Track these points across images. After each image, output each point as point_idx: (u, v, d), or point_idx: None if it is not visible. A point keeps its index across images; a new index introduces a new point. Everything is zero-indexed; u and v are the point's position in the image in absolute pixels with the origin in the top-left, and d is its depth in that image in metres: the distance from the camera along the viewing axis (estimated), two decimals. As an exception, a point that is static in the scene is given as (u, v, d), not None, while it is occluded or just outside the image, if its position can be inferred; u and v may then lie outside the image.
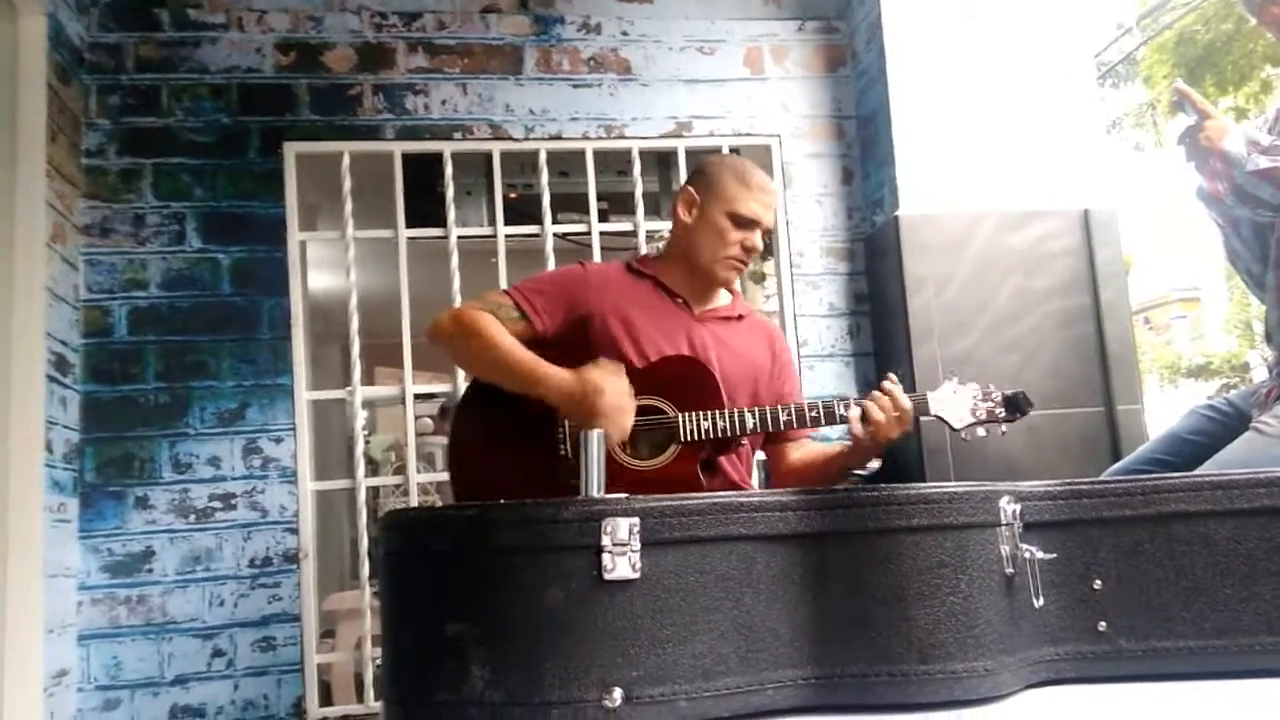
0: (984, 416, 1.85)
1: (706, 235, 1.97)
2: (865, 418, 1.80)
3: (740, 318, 2.08)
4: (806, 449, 2.08)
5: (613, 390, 1.76)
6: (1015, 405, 1.84)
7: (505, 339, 1.87)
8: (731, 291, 2.14)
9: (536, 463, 1.84)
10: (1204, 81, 8.48)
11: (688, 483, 1.80)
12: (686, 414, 1.83)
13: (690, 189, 2.02)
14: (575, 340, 1.93)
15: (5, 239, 2.34)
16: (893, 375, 1.85)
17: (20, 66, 2.42)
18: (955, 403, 1.86)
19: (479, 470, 1.90)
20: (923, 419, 1.92)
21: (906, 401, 1.80)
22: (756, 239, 1.97)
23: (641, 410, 1.85)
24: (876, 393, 1.81)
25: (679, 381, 1.87)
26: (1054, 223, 2.83)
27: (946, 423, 1.86)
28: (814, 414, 1.85)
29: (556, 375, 1.79)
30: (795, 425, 1.86)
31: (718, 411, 1.83)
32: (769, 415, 1.84)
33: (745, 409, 1.85)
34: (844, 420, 1.83)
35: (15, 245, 2.34)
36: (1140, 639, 1.21)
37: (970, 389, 1.87)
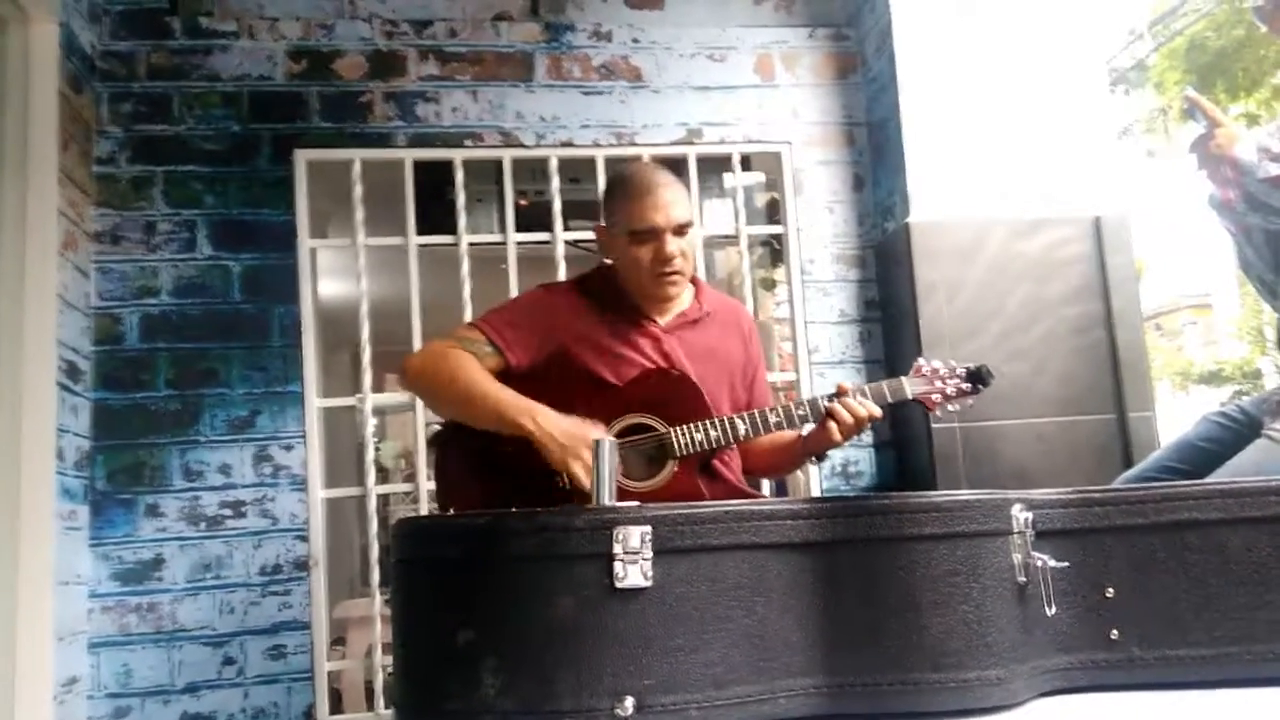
0: (953, 393, 1.94)
1: (622, 264, 1.95)
2: (839, 421, 1.84)
3: (707, 315, 2.02)
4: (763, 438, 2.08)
5: (597, 433, 1.75)
6: (978, 378, 1.95)
7: (484, 376, 1.84)
8: (695, 283, 2.06)
9: (530, 498, 1.79)
10: (1215, 87, 8.46)
11: (690, 499, 1.78)
12: (678, 429, 1.82)
13: (600, 224, 2.01)
14: (548, 371, 1.90)
15: (17, 246, 2.35)
16: (845, 384, 1.89)
17: (32, 75, 2.43)
18: (925, 384, 1.94)
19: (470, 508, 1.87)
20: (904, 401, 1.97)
21: (875, 409, 1.86)
22: (667, 244, 1.88)
23: (632, 430, 1.85)
24: (849, 403, 1.84)
25: (662, 395, 1.86)
26: (1065, 229, 2.83)
27: (920, 403, 1.94)
28: (801, 413, 1.88)
29: (539, 409, 1.77)
30: (785, 427, 1.87)
31: (709, 422, 1.83)
32: (760, 419, 1.85)
33: (736, 416, 1.85)
34: (830, 415, 1.85)
35: (27, 253, 2.35)
36: (1153, 647, 1.20)
37: (936, 367, 1.95)
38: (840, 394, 1.86)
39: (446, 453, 1.96)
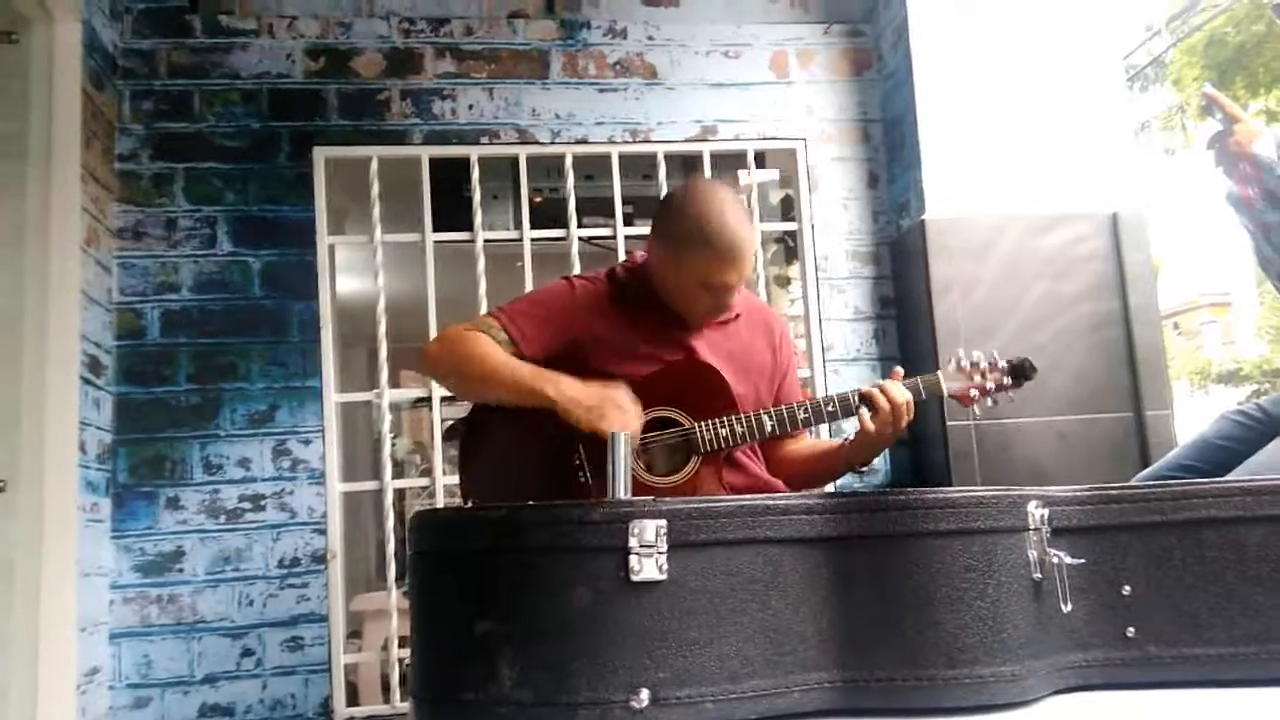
0: (992, 387, 1.85)
1: (679, 293, 1.86)
2: (874, 409, 1.78)
3: (736, 317, 1.98)
4: (803, 440, 2.04)
5: (621, 392, 1.73)
6: (1020, 372, 1.85)
7: (501, 353, 1.81)
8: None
9: (552, 493, 1.78)
10: (1234, 84, 8.39)
11: (713, 495, 1.77)
12: (703, 423, 1.79)
13: (657, 246, 1.88)
14: (564, 364, 1.84)
15: (41, 242, 2.37)
16: (898, 370, 1.85)
17: (56, 73, 2.45)
18: (963, 380, 1.86)
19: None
20: (941, 397, 1.90)
21: (900, 395, 1.78)
22: (730, 295, 1.85)
23: (656, 423, 1.82)
24: (882, 384, 1.80)
25: (688, 387, 1.83)
26: (1082, 226, 2.82)
27: (957, 399, 1.86)
28: (830, 409, 1.82)
29: (560, 377, 1.74)
30: (813, 423, 1.84)
31: (735, 417, 1.79)
32: (787, 416, 1.81)
33: (763, 412, 1.81)
34: (858, 411, 1.80)
35: (50, 248, 2.38)
36: (1169, 645, 1.20)
37: (975, 360, 1.86)
38: (891, 374, 1.83)
39: (469, 443, 1.94)
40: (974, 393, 1.85)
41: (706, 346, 1.91)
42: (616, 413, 1.70)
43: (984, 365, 1.86)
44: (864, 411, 1.79)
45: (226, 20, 2.88)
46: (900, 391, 1.79)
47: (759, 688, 1.08)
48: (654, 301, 1.91)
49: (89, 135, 2.56)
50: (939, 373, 1.86)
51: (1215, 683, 1.19)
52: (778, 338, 2.05)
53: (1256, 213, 1.99)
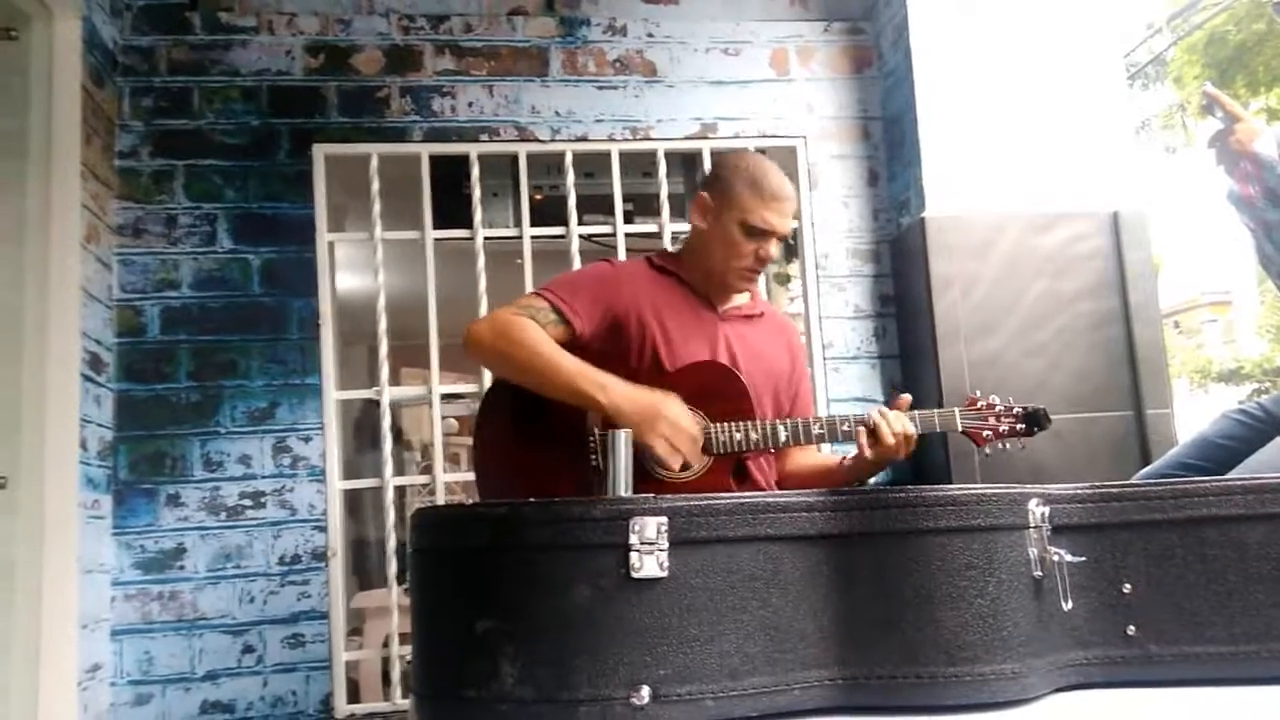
0: (1005, 431, 1.89)
1: (719, 243, 1.94)
2: (875, 439, 1.80)
3: (761, 315, 2.06)
4: (807, 454, 2.07)
5: (683, 416, 1.74)
6: (1035, 420, 1.89)
7: (552, 346, 1.81)
8: (750, 289, 2.12)
9: (566, 477, 1.80)
10: (1235, 82, 8.39)
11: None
12: (719, 425, 1.81)
13: (705, 195, 1.98)
14: (608, 341, 1.90)
15: (41, 239, 2.37)
16: (906, 397, 1.85)
17: (56, 69, 2.45)
18: (977, 419, 1.89)
19: (505, 484, 1.88)
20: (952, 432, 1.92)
21: (912, 428, 1.81)
22: (771, 248, 1.93)
23: None
24: (884, 412, 1.81)
25: (709, 388, 1.84)
26: (1083, 224, 2.81)
27: (969, 437, 1.89)
28: (845, 428, 1.84)
29: (609, 380, 1.74)
30: (827, 439, 1.85)
31: (750, 423, 1.81)
32: (801, 428, 1.83)
33: (779, 421, 1.84)
34: (858, 436, 1.82)
35: (51, 245, 2.38)
36: (1170, 644, 1.20)
37: (992, 403, 1.90)
38: (893, 407, 1.84)
39: (483, 432, 1.96)
40: (986, 434, 1.88)
41: (734, 337, 1.97)
42: (674, 433, 1.72)
43: (999, 408, 1.90)
44: (864, 438, 1.80)
45: (226, 17, 2.88)
46: (905, 425, 1.80)
47: (759, 685, 1.08)
48: (688, 288, 1.99)
49: (89, 132, 2.56)
50: (955, 410, 1.89)
51: (1216, 681, 1.18)
52: (794, 348, 2.12)
53: (1257, 211, 1.99)
